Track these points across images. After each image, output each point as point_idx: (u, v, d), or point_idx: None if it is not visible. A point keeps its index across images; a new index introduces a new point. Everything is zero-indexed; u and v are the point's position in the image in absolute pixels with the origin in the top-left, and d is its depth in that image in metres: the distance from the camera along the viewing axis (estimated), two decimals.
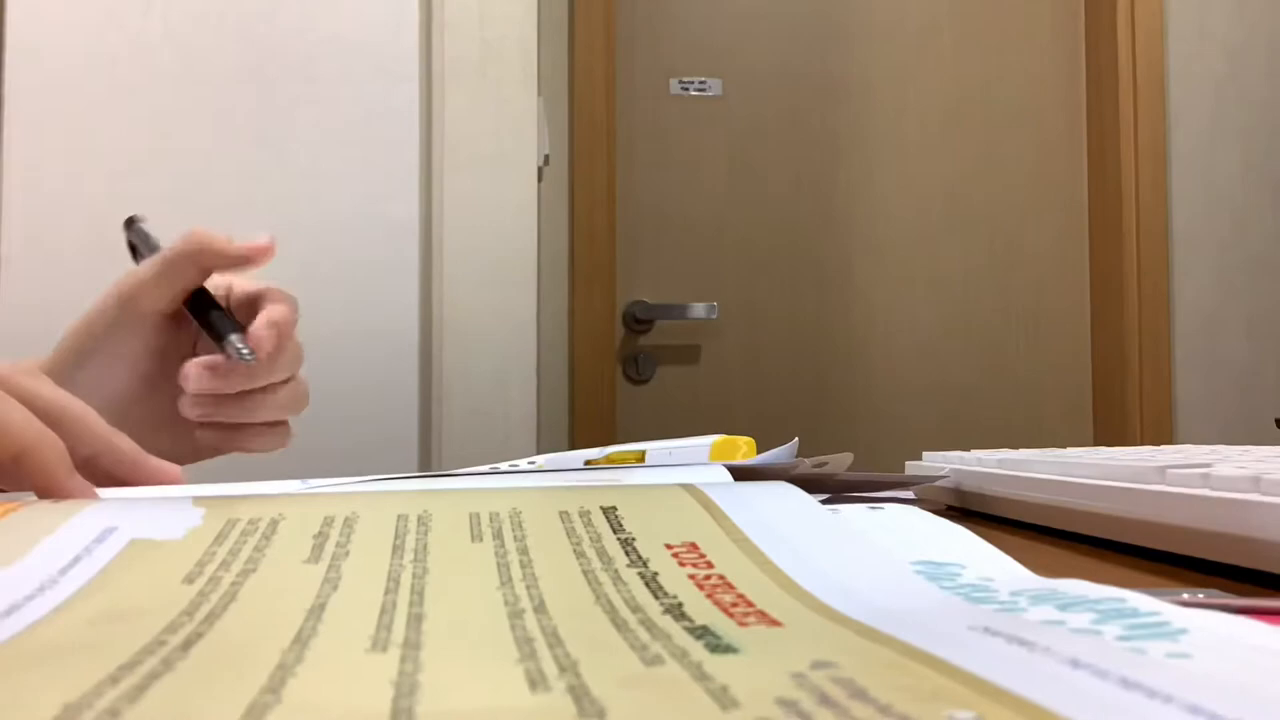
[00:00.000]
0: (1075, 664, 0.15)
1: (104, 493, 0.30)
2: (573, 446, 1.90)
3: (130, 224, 0.57)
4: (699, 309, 1.96)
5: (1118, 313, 2.02)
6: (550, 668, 0.15)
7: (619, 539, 0.23)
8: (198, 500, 0.25)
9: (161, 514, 0.24)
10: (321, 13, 1.34)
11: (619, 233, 1.98)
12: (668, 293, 2.01)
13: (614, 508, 0.26)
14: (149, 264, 0.51)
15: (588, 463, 0.56)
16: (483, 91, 1.45)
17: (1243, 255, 2.03)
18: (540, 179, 1.53)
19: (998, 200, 2.09)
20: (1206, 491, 0.31)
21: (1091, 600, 0.20)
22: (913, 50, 2.07)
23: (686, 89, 2.03)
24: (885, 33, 2.07)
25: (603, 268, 1.93)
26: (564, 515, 0.25)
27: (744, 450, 0.55)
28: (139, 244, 0.56)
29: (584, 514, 0.25)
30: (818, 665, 0.15)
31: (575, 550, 0.22)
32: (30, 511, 0.24)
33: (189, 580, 0.20)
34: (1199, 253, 2.02)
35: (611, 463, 0.59)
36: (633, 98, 2.01)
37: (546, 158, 1.74)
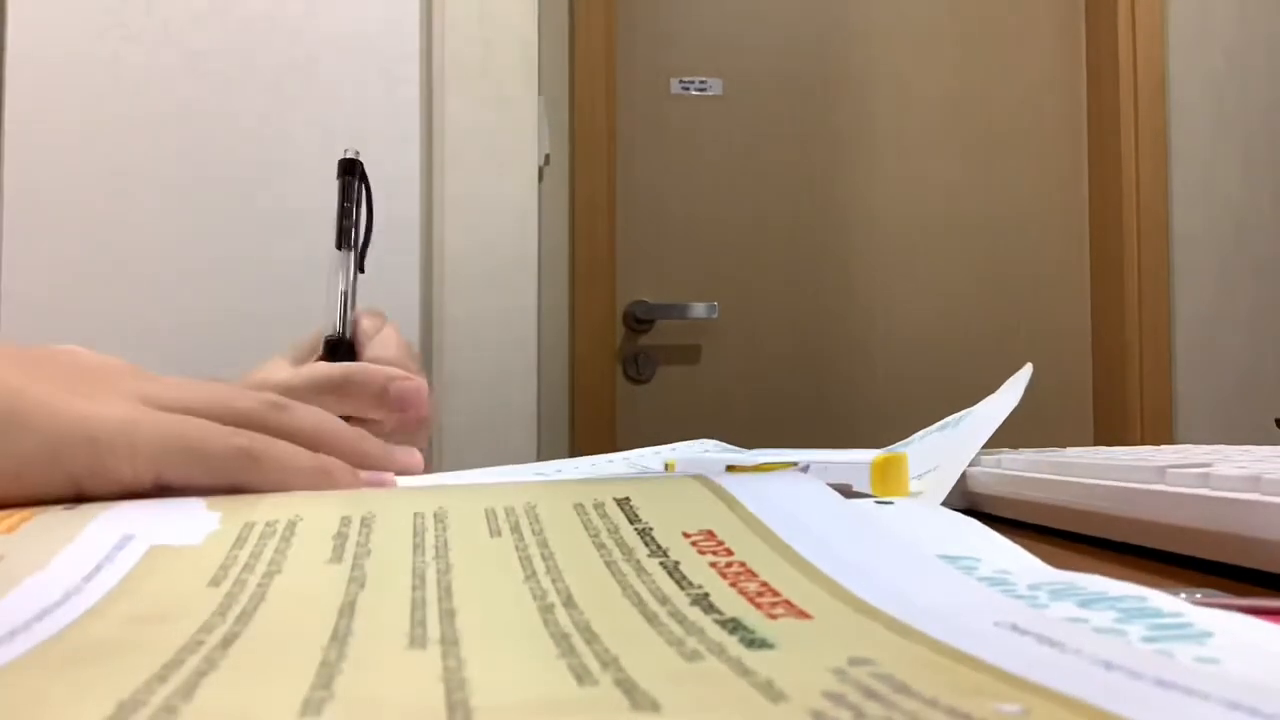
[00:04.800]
0: (1109, 665, 0.15)
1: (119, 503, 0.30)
2: (573, 446, 1.90)
3: (348, 169, 0.54)
4: (699, 309, 1.96)
5: (1118, 312, 2.02)
6: (593, 663, 0.15)
7: (636, 529, 0.23)
8: (212, 504, 0.25)
9: (178, 520, 0.24)
10: (321, 13, 1.34)
11: (619, 233, 1.98)
12: (668, 293, 2.01)
13: (627, 499, 0.26)
14: (300, 374, 0.49)
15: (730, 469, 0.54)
16: (483, 91, 1.45)
17: (1243, 255, 2.03)
18: (540, 179, 1.53)
19: (998, 200, 2.09)
20: (1206, 491, 0.31)
21: (1112, 598, 0.20)
22: (913, 50, 2.07)
23: (687, 89, 2.03)
24: (885, 33, 2.07)
25: (603, 267, 1.93)
26: (579, 508, 0.25)
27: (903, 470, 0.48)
28: (347, 197, 0.54)
29: (598, 505, 0.25)
30: (856, 662, 0.15)
31: (595, 542, 0.22)
32: (45, 520, 0.24)
33: (214, 583, 0.20)
34: (1199, 253, 2.02)
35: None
36: (633, 98, 2.01)
37: (547, 157, 1.74)
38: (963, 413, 0.52)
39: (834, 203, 2.05)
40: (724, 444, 0.65)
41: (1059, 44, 2.11)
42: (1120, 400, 2.01)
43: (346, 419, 0.47)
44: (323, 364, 0.50)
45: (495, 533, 0.23)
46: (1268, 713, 0.13)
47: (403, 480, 0.37)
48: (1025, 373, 0.52)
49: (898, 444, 0.52)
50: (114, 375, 0.33)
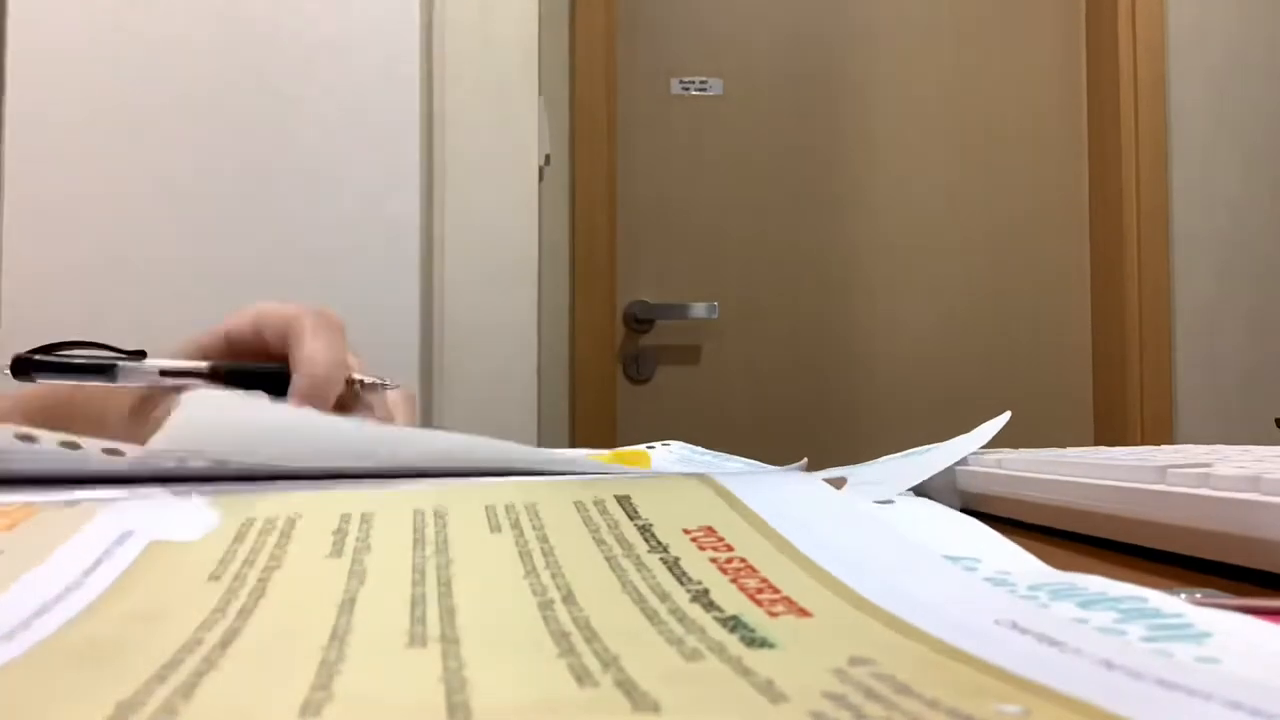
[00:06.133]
0: (1109, 665, 0.15)
1: (117, 495, 0.30)
2: (573, 446, 1.90)
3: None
4: (699, 309, 1.96)
5: (1118, 313, 2.02)
6: (593, 663, 0.15)
7: (636, 525, 0.23)
8: (212, 501, 0.25)
9: (177, 516, 0.24)
10: (321, 13, 1.34)
11: (619, 233, 1.98)
12: (668, 293, 2.01)
13: (628, 496, 0.26)
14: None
15: None
16: (483, 91, 1.45)
17: (1243, 255, 2.03)
18: (541, 179, 1.53)
19: (998, 200, 2.09)
20: (1206, 491, 0.31)
21: (1112, 598, 0.20)
22: (913, 50, 2.07)
23: (687, 89, 2.03)
24: (885, 33, 2.07)
25: (603, 268, 1.93)
26: (579, 505, 0.25)
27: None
28: None
29: (599, 503, 0.25)
30: (856, 661, 0.15)
31: (595, 538, 0.22)
32: (44, 518, 0.24)
33: (214, 578, 0.20)
34: (1199, 252, 2.02)
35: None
36: (633, 97, 2.01)
37: (547, 157, 1.74)
38: (930, 445, 0.53)
39: (834, 202, 2.05)
40: (692, 446, 0.65)
41: (1059, 44, 2.11)
42: (1120, 400, 2.01)
43: None
44: None
45: (495, 529, 0.23)
46: (1268, 712, 0.13)
47: (403, 483, 0.37)
48: (1000, 419, 0.53)
49: (859, 464, 0.52)
50: None
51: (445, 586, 0.19)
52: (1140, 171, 2.00)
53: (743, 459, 0.57)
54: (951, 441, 0.51)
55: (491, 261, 1.44)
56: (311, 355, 0.44)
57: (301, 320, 0.45)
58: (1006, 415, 0.54)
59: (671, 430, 1.98)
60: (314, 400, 0.43)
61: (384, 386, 0.49)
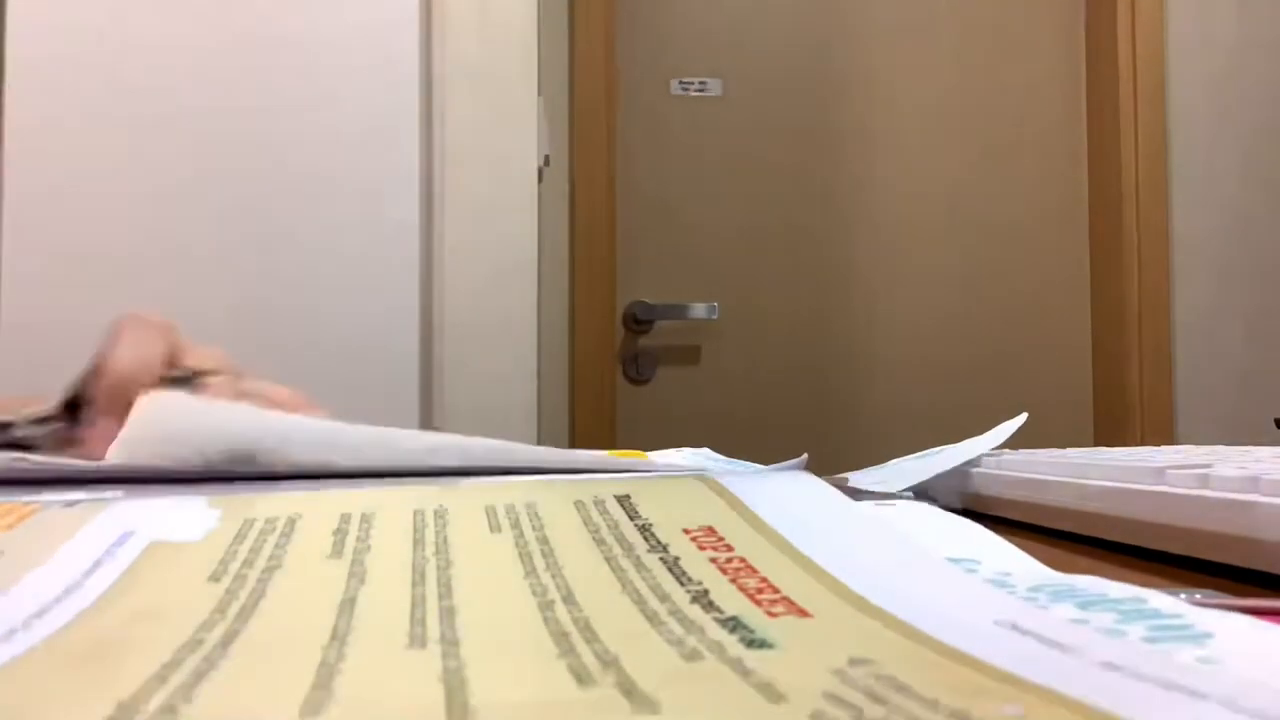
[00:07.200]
0: (1109, 666, 0.15)
1: (117, 494, 0.30)
2: (573, 447, 1.90)
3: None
4: (699, 309, 1.96)
5: (1118, 312, 2.02)
6: (592, 663, 0.15)
7: (636, 525, 0.23)
8: (212, 501, 0.25)
9: (178, 516, 0.24)
10: (321, 14, 1.34)
11: (619, 233, 1.98)
12: (668, 293, 2.01)
13: (627, 496, 0.26)
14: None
15: None
16: (483, 91, 1.45)
17: (1243, 255, 2.03)
18: (540, 179, 1.53)
19: (998, 200, 2.09)
20: (1206, 492, 0.31)
21: (1112, 599, 0.20)
22: (913, 51, 2.07)
23: (686, 89, 2.03)
24: (885, 33, 2.07)
25: (603, 268, 1.93)
26: (579, 505, 0.25)
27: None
28: None
29: (599, 502, 0.25)
30: (856, 662, 0.15)
31: (595, 538, 0.22)
32: (44, 518, 0.24)
33: (214, 579, 0.20)
34: (1199, 253, 2.02)
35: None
36: (633, 98, 2.01)
37: (547, 158, 1.74)
38: (943, 447, 0.53)
39: (834, 203, 2.05)
40: (714, 454, 0.65)
41: (1059, 45, 2.11)
42: (1120, 400, 2.01)
43: None
44: None
45: (495, 529, 0.23)
46: (1269, 713, 0.13)
47: (403, 482, 0.37)
48: (1015, 421, 0.53)
49: (872, 468, 0.52)
50: None
51: (445, 587, 0.19)
52: (1140, 172, 2.00)
53: (757, 465, 0.57)
54: (965, 442, 0.51)
55: (491, 261, 1.45)
56: (115, 357, 0.46)
57: (118, 327, 0.48)
58: (1023, 417, 0.54)
59: (671, 430, 1.98)
60: (114, 400, 0.43)
61: (193, 378, 0.47)
